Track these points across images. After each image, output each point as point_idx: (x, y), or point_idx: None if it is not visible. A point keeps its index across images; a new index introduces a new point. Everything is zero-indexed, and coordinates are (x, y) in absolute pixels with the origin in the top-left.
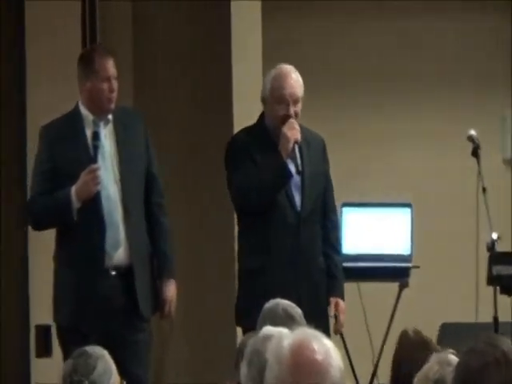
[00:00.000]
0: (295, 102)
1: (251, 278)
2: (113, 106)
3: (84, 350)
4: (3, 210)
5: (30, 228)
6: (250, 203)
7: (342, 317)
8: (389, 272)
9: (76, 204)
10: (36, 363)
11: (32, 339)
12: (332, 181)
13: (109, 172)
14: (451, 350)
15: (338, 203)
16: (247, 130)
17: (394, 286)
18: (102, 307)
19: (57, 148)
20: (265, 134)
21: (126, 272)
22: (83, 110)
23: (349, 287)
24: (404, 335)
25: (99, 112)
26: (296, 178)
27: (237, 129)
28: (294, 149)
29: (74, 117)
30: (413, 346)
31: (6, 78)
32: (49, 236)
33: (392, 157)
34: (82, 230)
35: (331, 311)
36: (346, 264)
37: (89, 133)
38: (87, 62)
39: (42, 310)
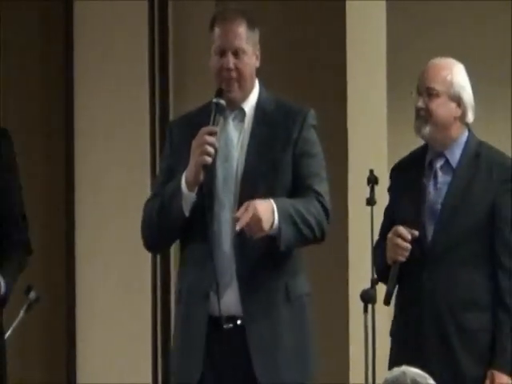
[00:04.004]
0: (428, 94)
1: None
2: (233, 90)
3: None
4: None
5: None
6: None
7: None
8: None
9: (185, 189)
10: None
11: None
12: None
13: (228, 191)
14: None
15: None
16: (410, 155)
17: None
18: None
19: (179, 148)
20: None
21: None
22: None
23: None
24: None
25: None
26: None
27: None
28: None
29: (206, 107)
30: None
31: None
32: None
33: None
34: (189, 258)
35: None
36: None
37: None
38: (209, 30)
39: None
